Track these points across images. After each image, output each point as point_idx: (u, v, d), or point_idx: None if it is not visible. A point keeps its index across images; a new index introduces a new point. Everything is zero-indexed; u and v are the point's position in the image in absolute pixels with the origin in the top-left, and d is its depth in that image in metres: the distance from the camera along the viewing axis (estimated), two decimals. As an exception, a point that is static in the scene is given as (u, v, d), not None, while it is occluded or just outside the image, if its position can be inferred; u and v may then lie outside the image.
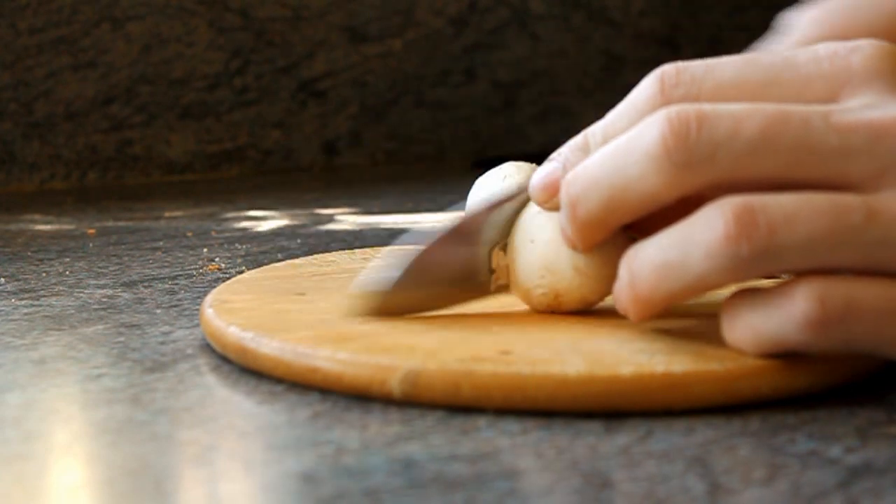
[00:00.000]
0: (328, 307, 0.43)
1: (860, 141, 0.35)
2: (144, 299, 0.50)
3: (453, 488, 0.30)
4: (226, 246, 0.64)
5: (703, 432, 0.34)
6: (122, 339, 0.44)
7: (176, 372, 0.40)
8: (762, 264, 0.34)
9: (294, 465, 0.32)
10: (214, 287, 0.47)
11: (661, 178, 0.35)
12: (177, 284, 0.53)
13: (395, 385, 0.36)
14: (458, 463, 0.32)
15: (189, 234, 0.68)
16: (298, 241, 0.66)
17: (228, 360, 0.41)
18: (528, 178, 0.55)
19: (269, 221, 0.73)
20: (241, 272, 0.53)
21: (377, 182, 0.95)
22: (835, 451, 0.33)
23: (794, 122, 0.35)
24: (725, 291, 0.41)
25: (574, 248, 0.39)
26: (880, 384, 0.38)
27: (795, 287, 0.35)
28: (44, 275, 0.56)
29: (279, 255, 0.61)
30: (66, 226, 0.72)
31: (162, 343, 0.43)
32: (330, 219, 0.74)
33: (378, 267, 0.41)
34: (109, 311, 0.48)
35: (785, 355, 0.36)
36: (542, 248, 0.40)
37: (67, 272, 0.56)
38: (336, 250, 0.56)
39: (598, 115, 0.40)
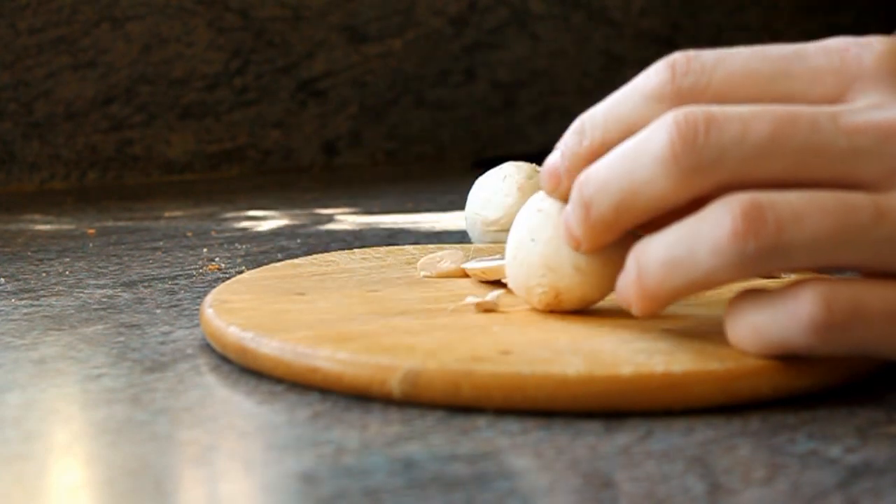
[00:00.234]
0: (328, 307, 0.43)
1: (869, 143, 0.35)
2: (144, 299, 0.50)
3: (453, 488, 0.30)
4: (226, 246, 0.64)
5: (703, 432, 0.34)
6: (122, 339, 0.44)
7: (176, 372, 0.40)
8: (769, 261, 0.34)
9: (294, 465, 0.32)
10: (214, 287, 0.47)
11: (670, 181, 0.35)
12: (177, 284, 0.53)
13: (395, 385, 0.36)
14: (458, 463, 0.32)
15: (189, 234, 0.68)
16: (298, 241, 0.66)
17: (228, 360, 0.41)
18: (528, 177, 0.55)
19: (268, 221, 0.73)
20: (241, 272, 0.53)
21: (377, 182, 0.95)
22: (835, 451, 0.33)
23: (803, 125, 0.35)
24: (726, 291, 0.41)
25: (576, 247, 0.39)
26: (880, 384, 0.38)
27: (801, 290, 0.35)
28: (44, 275, 0.56)
29: (279, 255, 0.60)
30: (65, 226, 0.72)
31: (162, 343, 0.43)
32: (330, 219, 0.74)
33: None
34: (109, 311, 0.48)
35: (786, 355, 0.36)
36: (542, 246, 0.40)
37: (67, 272, 0.56)
38: (336, 250, 0.56)
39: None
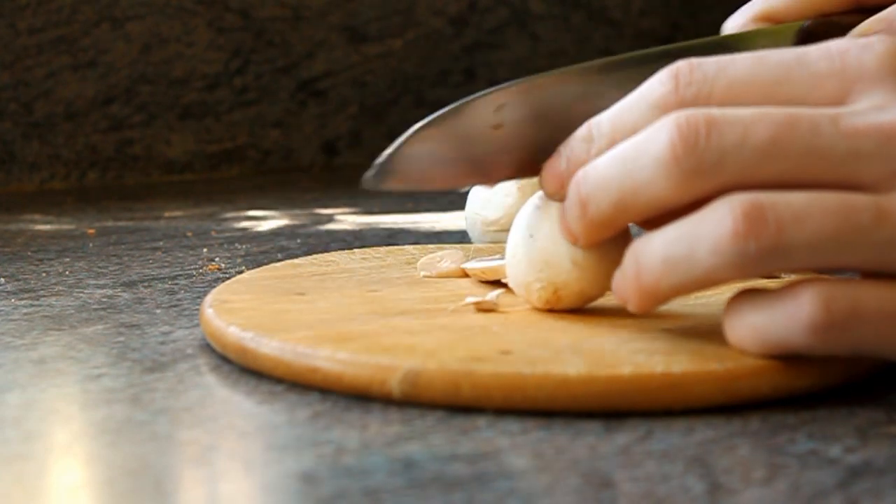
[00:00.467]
0: (328, 307, 0.43)
1: (870, 145, 0.35)
2: (144, 299, 0.50)
3: (453, 488, 0.30)
4: (226, 246, 0.64)
5: (703, 432, 0.34)
6: (121, 339, 0.44)
7: (176, 372, 0.40)
8: (769, 262, 0.34)
9: (294, 465, 0.32)
10: (214, 287, 0.47)
11: (670, 183, 0.35)
12: (177, 284, 0.53)
13: (394, 385, 0.36)
14: (458, 463, 0.32)
15: (189, 234, 0.68)
16: (298, 241, 0.66)
17: (228, 360, 0.41)
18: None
19: (268, 221, 0.73)
20: (241, 272, 0.53)
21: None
22: (835, 450, 0.33)
23: (803, 127, 0.35)
24: (726, 291, 0.41)
25: (575, 243, 0.39)
26: (880, 384, 0.38)
27: (801, 290, 0.35)
28: (44, 275, 0.56)
29: (279, 255, 0.60)
30: (65, 226, 0.72)
31: (162, 343, 0.43)
32: (330, 219, 0.74)
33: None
34: (109, 311, 0.48)
35: (785, 355, 0.36)
36: (540, 242, 0.40)
37: (67, 272, 0.56)
38: (336, 250, 0.56)
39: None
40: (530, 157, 0.41)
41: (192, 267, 0.57)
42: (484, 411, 0.35)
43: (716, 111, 0.35)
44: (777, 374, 0.36)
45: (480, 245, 0.55)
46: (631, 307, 0.37)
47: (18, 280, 0.55)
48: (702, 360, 0.36)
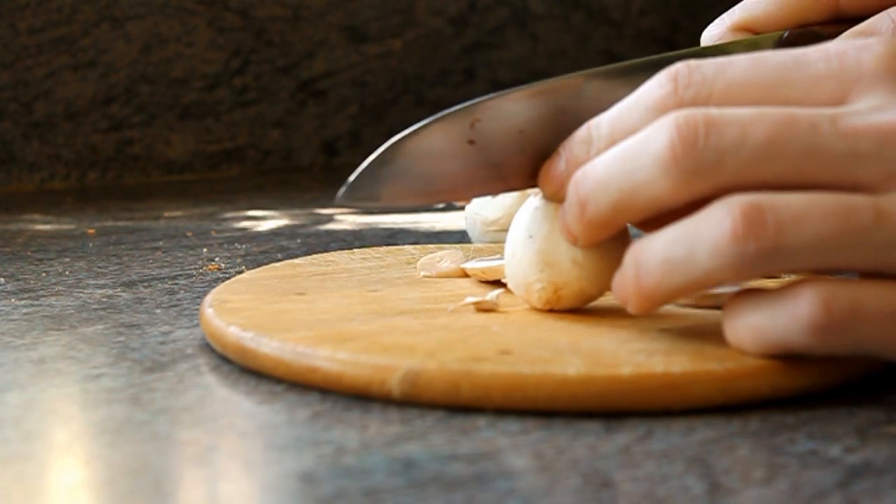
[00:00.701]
0: (328, 307, 0.43)
1: (868, 145, 0.35)
2: (144, 299, 0.50)
3: (453, 488, 0.30)
4: (225, 246, 0.64)
5: (703, 432, 0.34)
6: (121, 338, 0.44)
7: (176, 372, 0.40)
8: (769, 263, 0.34)
9: (294, 465, 0.32)
10: (214, 287, 0.47)
11: (669, 183, 0.35)
12: (176, 284, 0.53)
13: (394, 385, 0.36)
14: (458, 463, 0.32)
15: (189, 234, 0.68)
16: (298, 240, 0.66)
17: (228, 360, 0.41)
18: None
19: (268, 221, 0.73)
20: (241, 272, 0.53)
21: (377, 182, 0.95)
22: (834, 450, 0.33)
23: (802, 128, 0.35)
24: (726, 290, 0.41)
25: (574, 243, 0.39)
26: (880, 384, 0.38)
27: (800, 290, 0.35)
28: (43, 275, 0.56)
29: (279, 255, 0.60)
30: (65, 226, 0.72)
31: (162, 343, 0.43)
32: (329, 219, 0.74)
33: None
34: (109, 311, 0.48)
35: (785, 355, 0.36)
36: (540, 242, 0.40)
37: (67, 272, 0.56)
38: (336, 250, 0.56)
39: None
40: (506, 173, 0.41)
41: (191, 267, 0.57)
42: (484, 411, 0.35)
43: (715, 111, 0.35)
44: (777, 374, 0.36)
45: (480, 245, 0.55)
46: (631, 309, 0.37)
47: (18, 280, 0.55)
48: (701, 360, 0.36)
